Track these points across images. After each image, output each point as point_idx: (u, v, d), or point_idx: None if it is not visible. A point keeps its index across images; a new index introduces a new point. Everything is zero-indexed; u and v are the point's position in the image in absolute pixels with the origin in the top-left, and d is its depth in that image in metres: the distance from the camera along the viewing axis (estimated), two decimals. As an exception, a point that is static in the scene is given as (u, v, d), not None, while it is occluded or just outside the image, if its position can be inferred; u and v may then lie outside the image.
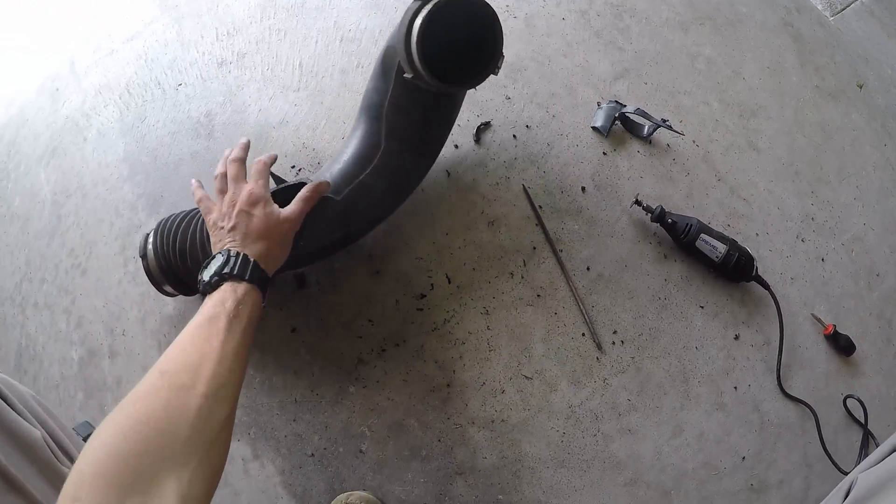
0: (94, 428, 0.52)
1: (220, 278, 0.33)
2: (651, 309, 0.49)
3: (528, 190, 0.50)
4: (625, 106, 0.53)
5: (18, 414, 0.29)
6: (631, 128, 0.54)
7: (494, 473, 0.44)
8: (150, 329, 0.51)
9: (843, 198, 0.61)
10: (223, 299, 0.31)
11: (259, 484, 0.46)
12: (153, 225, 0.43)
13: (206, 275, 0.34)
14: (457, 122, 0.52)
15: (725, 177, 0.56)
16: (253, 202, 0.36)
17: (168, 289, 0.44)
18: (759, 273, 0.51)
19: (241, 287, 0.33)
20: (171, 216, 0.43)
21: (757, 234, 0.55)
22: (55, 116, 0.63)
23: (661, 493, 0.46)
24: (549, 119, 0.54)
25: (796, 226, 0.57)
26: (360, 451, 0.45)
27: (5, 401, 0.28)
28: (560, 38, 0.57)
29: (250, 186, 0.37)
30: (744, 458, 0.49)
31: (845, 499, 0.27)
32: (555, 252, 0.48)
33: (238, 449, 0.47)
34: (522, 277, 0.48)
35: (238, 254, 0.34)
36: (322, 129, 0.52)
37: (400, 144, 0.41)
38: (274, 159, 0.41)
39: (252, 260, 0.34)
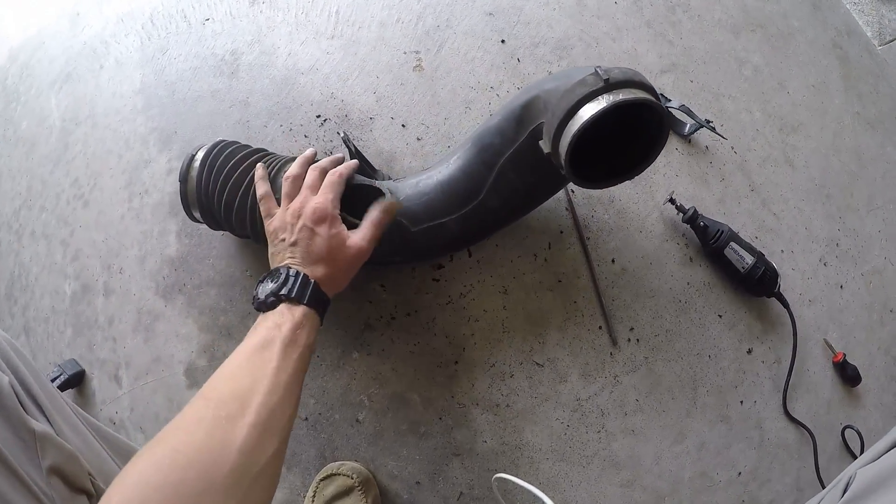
0: (80, 367, 0.50)
1: (276, 299, 0.30)
2: (670, 311, 0.48)
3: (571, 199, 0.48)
4: (670, 100, 0.51)
5: None
6: (672, 123, 0.52)
7: (493, 459, 0.43)
8: (149, 270, 0.49)
9: (868, 228, 0.60)
10: (279, 322, 0.29)
11: (246, 441, 0.45)
12: (195, 152, 0.40)
13: (262, 292, 0.31)
14: (495, 92, 0.50)
15: (759, 188, 0.55)
16: (319, 219, 0.33)
17: (196, 216, 0.41)
18: (780, 290, 0.50)
19: (299, 310, 0.30)
20: (225, 148, 0.39)
21: (782, 251, 0.54)
22: (73, 41, 0.60)
23: (655, 498, 0.46)
24: (591, 103, 0.52)
25: (821, 249, 0.56)
26: (357, 421, 0.43)
27: None
28: (610, 22, 0.55)
29: (318, 200, 0.34)
30: (740, 473, 0.48)
31: (843, 494, 0.26)
32: (581, 239, 0.46)
33: (228, 403, 0.45)
34: (546, 260, 0.46)
35: (298, 273, 0.31)
36: (353, 81, 0.49)
37: (500, 202, 0.38)
38: (354, 169, 0.37)
39: (312, 281, 0.31)
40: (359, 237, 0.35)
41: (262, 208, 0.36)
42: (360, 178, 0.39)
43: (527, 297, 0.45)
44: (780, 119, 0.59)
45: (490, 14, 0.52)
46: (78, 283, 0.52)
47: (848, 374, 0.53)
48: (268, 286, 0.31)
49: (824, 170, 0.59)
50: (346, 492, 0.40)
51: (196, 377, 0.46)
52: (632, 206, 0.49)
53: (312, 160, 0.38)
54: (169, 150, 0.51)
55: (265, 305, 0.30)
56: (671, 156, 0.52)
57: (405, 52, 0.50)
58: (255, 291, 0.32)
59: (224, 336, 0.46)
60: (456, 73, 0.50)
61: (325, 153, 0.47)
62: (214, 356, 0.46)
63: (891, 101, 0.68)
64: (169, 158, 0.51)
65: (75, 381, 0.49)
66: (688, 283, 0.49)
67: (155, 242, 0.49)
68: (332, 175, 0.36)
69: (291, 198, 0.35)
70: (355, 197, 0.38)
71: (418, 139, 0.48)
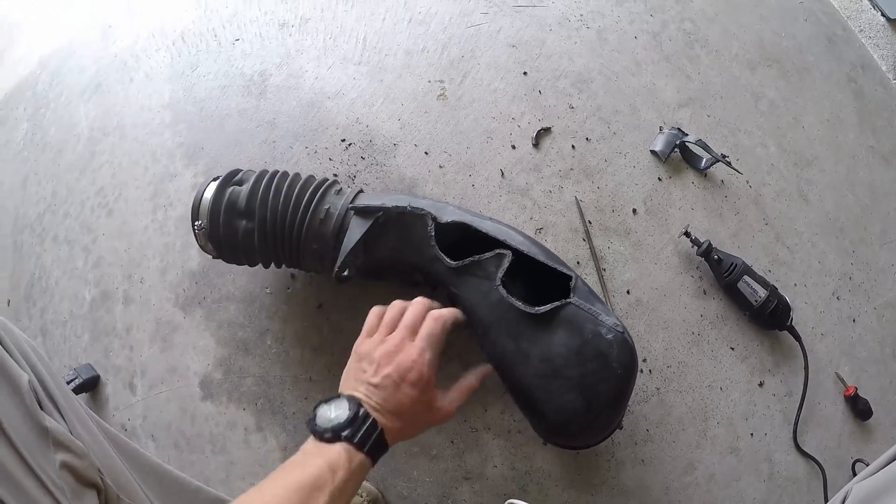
0: (96, 372, 0.50)
1: (335, 437, 0.28)
2: (683, 342, 0.48)
3: (581, 203, 0.49)
4: (686, 135, 0.52)
5: (10, 355, 0.28)
6: (689, 158, 0.53)
7: (502, 484, 0.43)
8: (170, 281, 0.50)
9: (881, 262, 0.60)
10: (335, 467, 0.26)
11: (258, 456, 0.45)
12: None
13: (323, 421, 0.29)
14: (517, 123, 0.51)
15: (773, 222, 0.55)
16: (410, 381, 0.30)
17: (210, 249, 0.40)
18: (793, 324, 0.50)
19: (358, 458, 0.28)
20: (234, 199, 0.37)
21: (795, 285, 0.54)
22: (104, 53, 0.62)
23: (663, 530, 0.45)
24: (610, 135, 0.53)
25: (834, 282, 0.56)
26: (369, 440, 0.44)
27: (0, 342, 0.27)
28: (630, 56, 0.56)
29: (415, 356, 0.31)
30: (748, 507, 0.48)
31: None
32: (598, 270, 0.47)
33: (242, 418, 0.45)
34: (562, 290, 0.46)
35: (367, 417, 0.29)
36: (378, 107, 0.51)
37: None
38: (458, 323, 0.34)
39: (380, 429, 0.29)
40: (447, 401, 0.32)
41: (368, 321, 0.34)
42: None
43: (542, 324, 0.45)
44: (795, 153, 0.60)
45: (513, 46, 0.54)
46: (98, 289, 0.53)
47: (859, 408, 0.53)
48: (331, 414, 0.29)
49: (838, 204, 0.60)
50: (356, 512, 0.40)
51: (211, 389, 0.47)
52: (647, 238, 0.50)
53: (426, 303, 0.34)
54: (195, 166, 0.52)
55: (321, 437, 0.28)
56: (687, 189, 0.53)
57: (430, 81, 0.51)
58: (315, 411, 0.29)
59: (241, 351, 0.47)
60: (479, 104, 0.51)
61: (349, 177, 0.48)
62: (230, 370, 0.47)
63: (904, 136, 0.69)
64: (195, 174, 0.52)
65: (90, 386, 0.50)
66: (701, 316, 0.49)
67: (177, 255, 0.50)
68: (435, 323, 0.32)
69: (389, 329, 0.33)
70: (466, 243, 0.35)
71: (440, 167, 0.49)
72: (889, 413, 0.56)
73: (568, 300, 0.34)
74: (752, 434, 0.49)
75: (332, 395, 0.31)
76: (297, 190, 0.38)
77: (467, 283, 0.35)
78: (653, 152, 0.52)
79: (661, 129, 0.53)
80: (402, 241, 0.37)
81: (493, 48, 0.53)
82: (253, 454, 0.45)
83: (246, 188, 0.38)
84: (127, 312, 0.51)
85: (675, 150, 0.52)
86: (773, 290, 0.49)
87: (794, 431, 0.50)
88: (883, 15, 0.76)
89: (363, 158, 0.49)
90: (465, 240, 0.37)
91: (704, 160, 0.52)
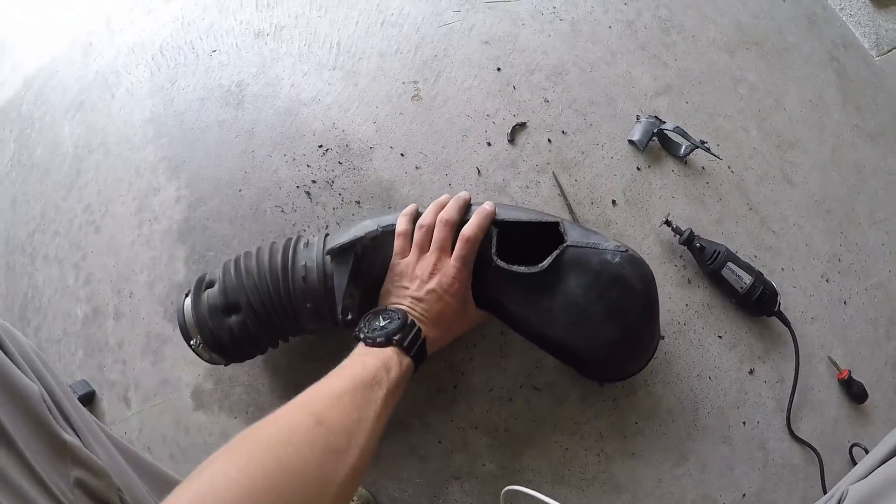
0: (91, 388, 0.51)
1: (386, 341, 0.30)
2: (669, 333, 0.48)
3: (563, 188, 0.49)
4: (664, 123, 0.52)
5: (17, 366, 0.27)
6: (668, 146, 0.53)
7: (492, 482, 0.44)
8: (158, 294, 0.50)
9: (871, 242, 0.60)
10: (388, 366, 0.29)
11: (251, 463, 0.45)
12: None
13: (371, 328, 0.31)
14: (492, 119, 0.52)
15: (757, 207, 0.55)
16: (453, 294, 0.33)
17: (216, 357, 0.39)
18: (781, 309, 0.50)
19: (406, 361, 0.30)
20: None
21: (782, 269, 0.54)
22: (85, 70, 0.62)
23: (657, 521, 0.45)
24: (587, 127, 0.53)
25: (822, 265, 0.56)
26: (358, 443, 0.44)
27: (5, 351, 0.27)
28: (604, 47, 0.56)
29: (454, 273, 0.33)
30: (744, 494, 0.48)
31: None
32: (578, 263, 0.47)
33: (234, 426, 0.46)
34: (543, 285, 0.46)
35: (414, 325, 0.32)
36: (354, 112, 0.51)
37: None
38: (487, 226, 0.35)
39: (422, 338, 0.32)
40: (483, 313, 0.35)
41: (396, 243, 0.35)
42: (523, 215, 0.35)
43: (525, 320, 0.46)
44: (778, 136, 0.59)
45: (486, 42, 0.54)
46: (89, 306, 0.53)
47: (854, 391, 0.52)
48: (379, 323, 0.31)
49: (824, 185, 0.59)
50: (348, 514, 0.41)
51: (203, 399, 0.47)
52: (628, 228, 0.50)
53: (441, 208, 0.36)
54: (178, 179, 0.53)
55: (373, 342, 0.30)
56: (667, 178, 0.52)
57: (404, 83, 0.52)
58: (363, 323, 0.32)
59: (229, 360, 0.47)
60: (453, 102, 0.51)
61: (327, 182, 0.48)
62: (220, 379, 0.47)
63: (890, 112, 0.68)
64: (178, 187, 0.52)
65: (85, 402, 0.51)
66: (686, 305, 0.49)
67: (163, 268, 0.51)
68: (467, 246, 0.34)
69: (422, 248, 0.34)
70: (513, 234, 0.34)
71: (417, 168, 0.49)
72: (885, 395, 0.55)
73: (564, 244, 0.34)
74: (744, 423, 0.49)
75: (378, 309, 0.33)
76: (267, 262, 0.37)
77: None
78: (630, 142, 0.52)
79: (638, 118, 0.53)
80: (388, 260, 0.36)
81: (466, 46, 0.53)
82: (246, 462, 0.45)
83: (218, 286, 0.37)
84: (118, 327, 0.51)
85: (654, 138, 0.52)
86: (758, 276, 0.48)
87: (788, 418, 0.49)
88: (865, -8, 0.75)
89: (340, 163, 0.49)
90: None
91: (683, 147, 0.52)
